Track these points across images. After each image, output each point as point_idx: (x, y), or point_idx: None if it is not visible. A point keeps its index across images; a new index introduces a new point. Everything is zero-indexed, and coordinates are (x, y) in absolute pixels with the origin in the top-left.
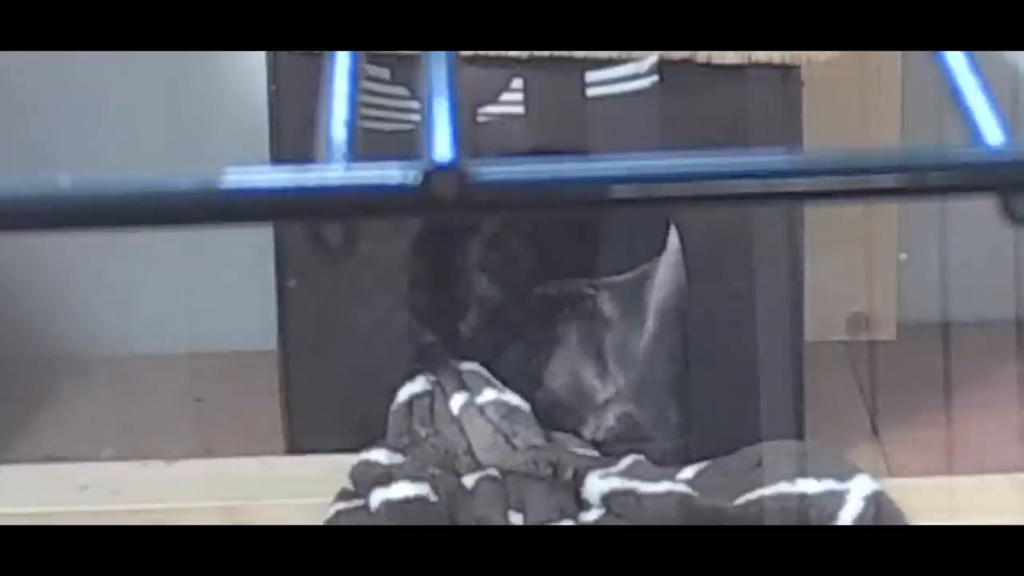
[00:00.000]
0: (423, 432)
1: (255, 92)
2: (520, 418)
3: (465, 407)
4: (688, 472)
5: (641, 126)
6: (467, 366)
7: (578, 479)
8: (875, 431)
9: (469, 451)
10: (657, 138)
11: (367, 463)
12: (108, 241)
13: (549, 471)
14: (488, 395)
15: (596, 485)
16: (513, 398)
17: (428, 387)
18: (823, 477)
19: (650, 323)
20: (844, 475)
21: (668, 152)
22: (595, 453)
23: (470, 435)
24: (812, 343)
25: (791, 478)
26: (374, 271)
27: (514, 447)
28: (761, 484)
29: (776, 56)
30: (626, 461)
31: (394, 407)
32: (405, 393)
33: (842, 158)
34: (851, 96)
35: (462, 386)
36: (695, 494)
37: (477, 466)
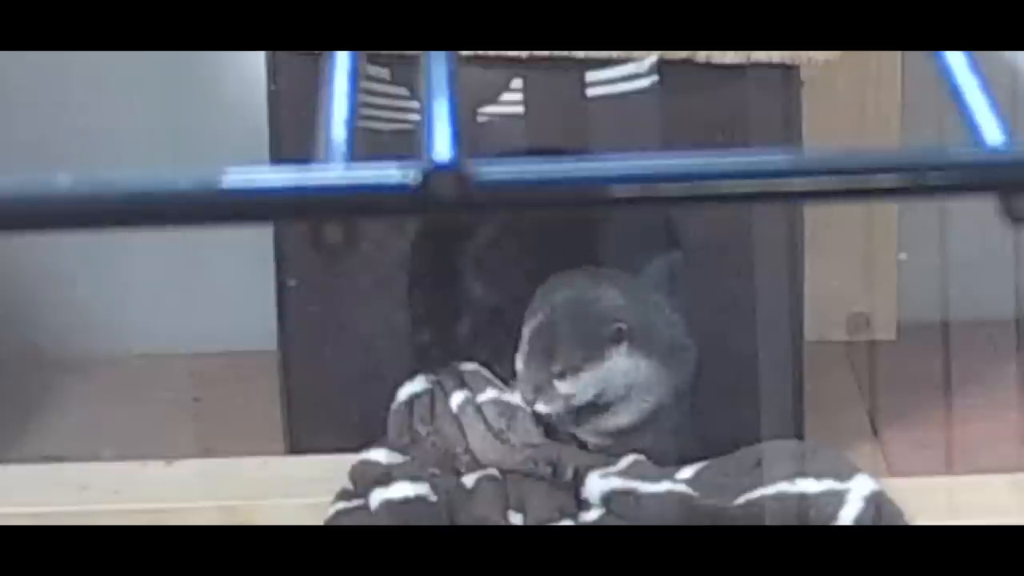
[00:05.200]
0: (424, 431)
1: (255, 92)
2: (520, 417)
3: (464, 404)
4: (688, 472)
5: (641, 126)
6: (468, 366)
7: (578, 479)
8: (875, 431)
9: (469, 450)
10: (657, 138)
11: (367, 463)
12: (107, 241)
13: (549, 470)
14: (489, 394)
15: (596, 485)
16: (514, 397)
17: (428, 386)
18: (823, 477)
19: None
20: (844, 475)
21: (668, 152)
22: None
23: (469, 433)
24: (812, 343)
25: (791, 478)
26: (374, 271)
27: (513, 445)
28: (761, 484)
29: (776, 56)
30: (626, 461)
31: (394, 406)
32: (405, 392)
33: (842, 158)
34: (851, 96)
35: (462, 384)
36: (695, 494)
37: (477, 465)
